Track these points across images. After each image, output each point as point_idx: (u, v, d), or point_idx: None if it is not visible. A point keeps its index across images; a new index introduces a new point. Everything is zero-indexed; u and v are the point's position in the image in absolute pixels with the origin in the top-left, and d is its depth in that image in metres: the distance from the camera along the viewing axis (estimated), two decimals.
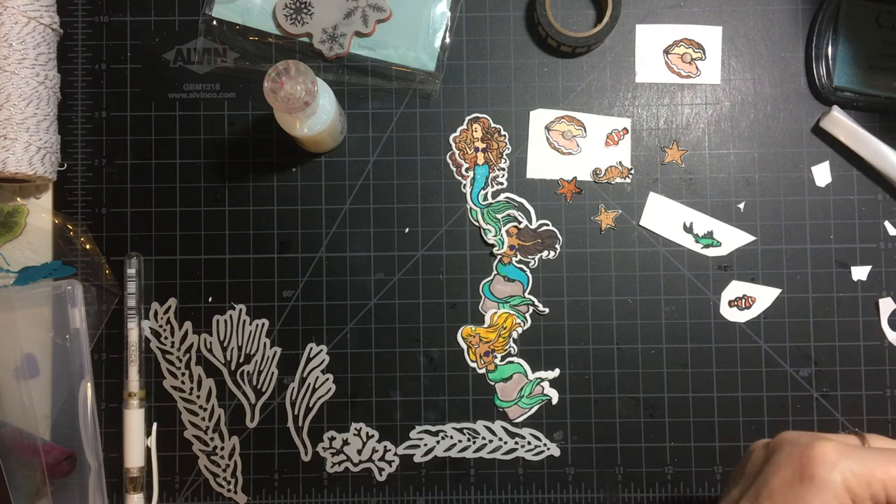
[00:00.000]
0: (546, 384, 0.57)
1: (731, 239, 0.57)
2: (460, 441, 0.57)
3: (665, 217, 0.57)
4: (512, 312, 0.57)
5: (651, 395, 0.57)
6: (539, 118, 0.58)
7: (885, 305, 0.57)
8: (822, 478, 0.34)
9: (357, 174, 0.58)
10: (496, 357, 0.57)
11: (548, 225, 0.57)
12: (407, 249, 0.57)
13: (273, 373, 0.57)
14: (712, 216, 0.57)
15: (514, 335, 0.57)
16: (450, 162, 0.58)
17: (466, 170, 0.57)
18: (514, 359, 0.57)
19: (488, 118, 0.58)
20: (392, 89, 0.58)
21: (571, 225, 0.57)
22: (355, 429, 0.57)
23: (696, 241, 0.57)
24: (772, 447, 0.39)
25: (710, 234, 0.57)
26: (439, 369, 0.57)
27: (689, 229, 0.57)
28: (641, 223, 0.57)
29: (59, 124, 0.57)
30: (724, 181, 0.58)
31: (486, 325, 0.57)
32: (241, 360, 0.57)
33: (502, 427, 0.57)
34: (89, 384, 0.55)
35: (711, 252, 0.57)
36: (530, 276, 0.57)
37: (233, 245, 0.57)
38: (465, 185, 0.57)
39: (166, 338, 0.57)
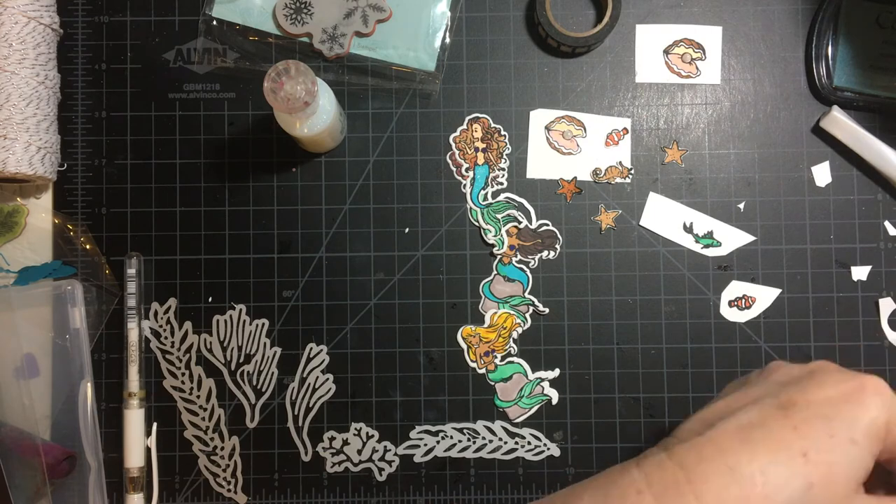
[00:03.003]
0: (546, 384, 0.57)
1: (732, 239, 0.57)
2: (460, 441, 0.57)
3: (665, 217, 0.57)
4: (512, 312, 0.57)
5: (651, 395, 0.57)
6: (539, 118, 0.58)
7: (885, 305, 0.57)
8: (869, 404, 0.34)
9: (357, 174, 0.58)
10: (496, 357, 0.57)
11: (548, 225, 0.57)
12: (407, 249, 0.57)
13: (273, 373, 0.57)
14: (712, 216, 0.57)
15: (514, 335, 0.57)
16: (450, 162, 0.58)
17: (466, 170, 0.57)
18: (514, 359, 0.57)
19: (488, 118, 0.58)
20: (392, 89, 0.58)
21: (571, 225, 0.57)
22: (355, 429, 0.57)
23: (696, 241, 0.57)
24: (811, 367, 0.37)
25: (710, 234, 0.57)
26: (439, 369, 0.57)
27: (689, 229, 0.57)
28: (641, 223, 0.57)
29: (59, 124, 0.57)
30: (724, 181, 0.58)
31: (486, 325, 0.57)
32: (241, 360, 0.57)
33: (502, 427, 0.57)
34: (89, 384, 0.55)
35: (711, 252, 0.57)
36: (530, 276, 0.57)
37: (233, 245, 0.57)
38: (465, 185, 0.57)
39: (166, 338, 0.57)
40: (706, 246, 0.57)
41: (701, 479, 0.33)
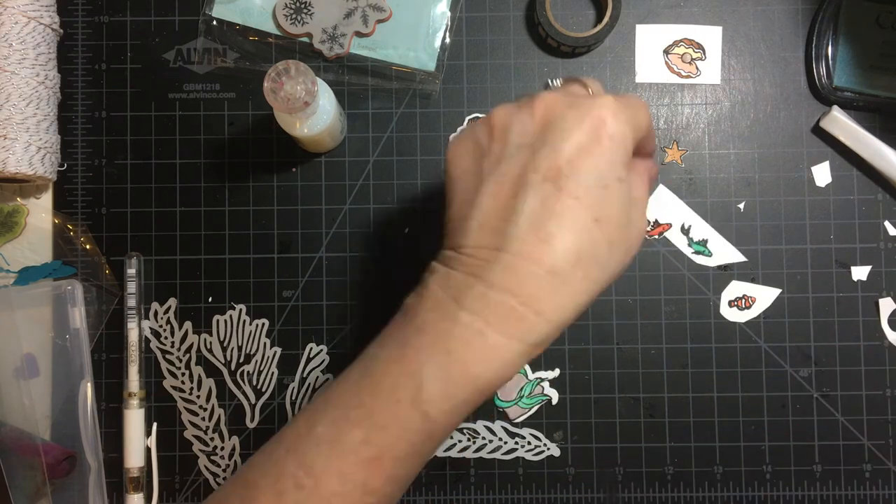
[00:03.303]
0: (546, 384, 0.57)
1: (723, 253, 0.57)
2: (460, 441, 0.57)
3: (666, 213, 0.57)
4: None
5: (651, 395, 0.57)
6: None
7: (885, 305, 0.57)
8: (616, 136, 0.34)
9: (357, 174, 0.58)
10: None
11: None
12: (407, 249, 0.57)
13: (273, 373, 0.57)
14: (712, 217, 0.57)
15: None
16: None
17: None
18: None
19: None
20: (392, 89, 0.58)
21: None
22: None
23: (689, 245, 0.57)
24: (541, 114, 0.35)
25: (703, 243, 0.57)
26: None
27: (685, 231, 0.57)
28: None
29: (59, 124, 0.57)
30: (724, 181, 0.58)
31: None
32: (241, 360, 0.57)
33: (502, 427, 0.57)
34: (89, 384, 0.55)
35: (700, 259, 0.57)
36: None
37: (233, 245, 0.57)
38: None
39: (166, 338, 0.57)
40: (697, 252, 0.57)
41: (533, 298, 0.33)
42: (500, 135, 0.36)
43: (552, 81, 0.38)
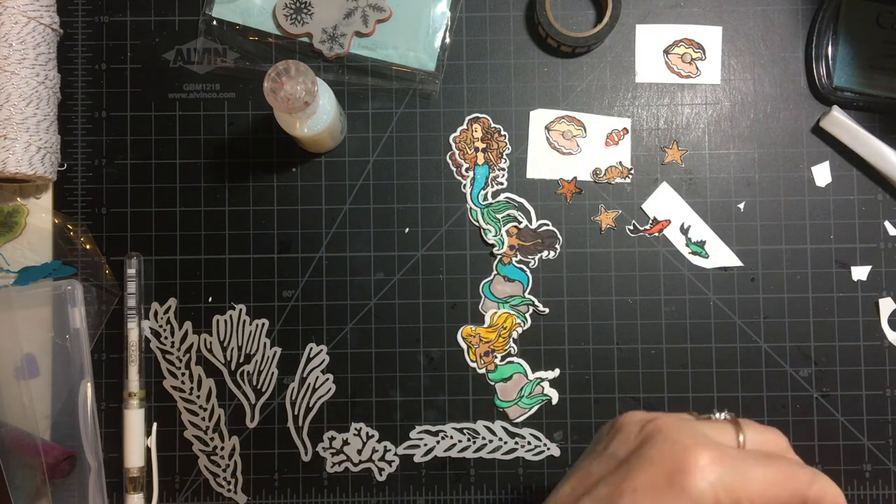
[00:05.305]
0: (546, 384, 0.57)
1: (720, 257, 0.57)
2: (460, 441, 0.57)
3: (667, 211, 0.57)
4: (512, 312, 0.57)
5: (651, 395, 0.57)
6: (539, 118, 0.58)
7: (885, 305, 0.57)
8: (692, 489, 0.32)
9: (357, 174, 0.58)
10: (496, 357, 0.57)
11: (548, 225, 0.57)
12: (407, 249, 0.57)
13: (273, 373, 0.57)
14: (712, 217, 0.57)
15: (514, 335, 0.57)
16: (450, 162, 0.58)
17: (466, 170, 0.57)
18: (514, 359, 0.57)
19: (488, 118, 0.58)
20: (392, 89, 0.58)
21: (571, 225, 0.57)
22: (355, 429, 0.57)
23: (687, 245, 0.57)
24: (647, 433, 0.35)
25: (701, 244, 0.57)
26: (439, 369, 0.57)
27: (684, 231, 0.57)
28: (643, 206, 0.57)
29: (59, 124, 0.57)
30: (724, 181, 0.58)
31: (486, 325, 0.57)
32: (241, 360, 0.57)
33: (502, 427, 0.57)
34: (89, 384, 0.55)
35: (697, 260, 0.57)
36: (530, 276, 0.57)
37: (233, 245, 0.57)
38: (465, 185, 0.57)
39: (166, 338, 0.57)
40: (694, 253, 0.57)
41: None
42: (612, 435, 0.36)
43: (718, 414, 0.38)
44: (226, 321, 0.57)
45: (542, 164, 0.58)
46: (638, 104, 0.58)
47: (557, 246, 0.57)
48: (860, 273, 0.57)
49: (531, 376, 0.57)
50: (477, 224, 0.57)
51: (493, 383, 0.57)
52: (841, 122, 0.56)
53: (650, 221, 0.57)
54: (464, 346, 0.57)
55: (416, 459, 0.57)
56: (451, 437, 0.57)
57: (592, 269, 0.57)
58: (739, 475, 0.32)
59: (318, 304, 0.57)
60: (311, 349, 0.57)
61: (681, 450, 0.33)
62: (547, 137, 0.58)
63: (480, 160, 0.57)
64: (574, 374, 0.57)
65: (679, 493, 0.32)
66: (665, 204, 0.57)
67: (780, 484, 0.33)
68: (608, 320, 0.57)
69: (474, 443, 0.57)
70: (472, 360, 0.57)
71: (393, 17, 0.56)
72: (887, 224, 0.57)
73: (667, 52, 0.58)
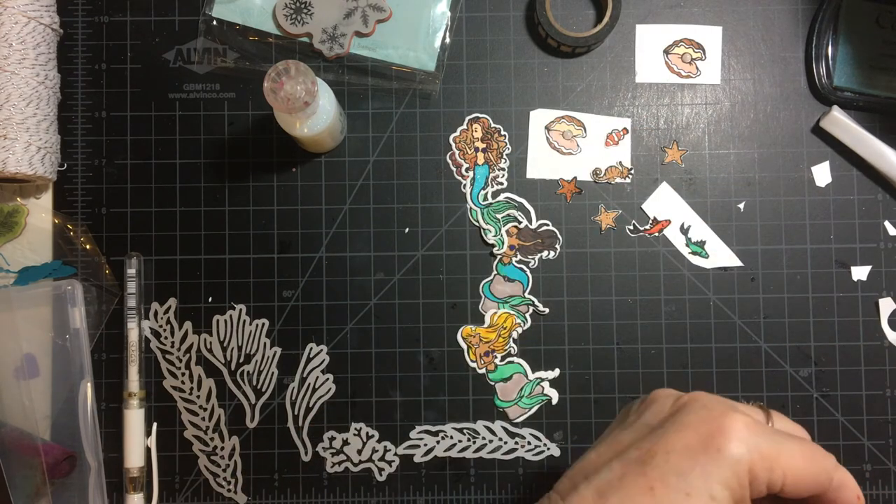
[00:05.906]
0: (546, 384, 0.57)
1: (720, 257, 0.57)
2: (460, 441, 0.57)
3: (667, 211, 0.57)
4: (512, 312, 0.57)
5: None
6: (539, 118, 0.58)
7: (885, 305, 0.57)
8: (728, 452, 0.32)
9: (357, 174, 0.58)
10: (496, 357, 0.57)
11: (548, 225, 0.57)
12: (407, 249, 0.57)
13: (273, 373, 0.57)
14: (712, 217, 0.57)
15: (514, 335, 0.57)
16: (450, 162, 0.58)
17: (466, 170, 0.57)
18: (514, 359, 0.57)
19: (488, 118, 0.58)
20: (392, 89, 0.58)
21: (571, 225, 0.57)
22: (355, 429, 0.57)
23: (687, 245, 0.57)
24: (681, 403, 0.35)
25: (701, 244, 0.57)
26: (439, 369, 0.57)
27: (684, 231, 0.57)
28: (643, 206, 0.57)
29: (59, 124, 0.57)
30: (724, 181, 0.58)
31: (486, 325, 0.57)
32: (241, 360, 0.57)
33: (502, 427, 0.57)
34: (89, 384, 0.55)
35: (697, 260, 0.57)
36: (530, 276, 0.57)
37: (233, 245, 0.57)
38: (465, 185, 0.57)
39: (166, 338, 0.57)
40: (694, 253, 0.57)
41: None
42: (643, 409, 0.37)
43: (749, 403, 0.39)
44: (226, 321, 0.57)
45: (542, 164, 0.58)
46: (638, 104, 0.58)
47: (557, 246, 0.57)
48: (860, 273, 0.57)
49: (531, 376, 0.57)
50: (477, 224, 0.57)
51: (493, 383, 0.57)
52: (841, 122, 0.56)
53: (650, 221, 0.57)
54: (464, 346, 0.57)
55: (416, 459, 0.57)
56: (451, 437, 0.57)
57: (592, 269, 0.57)
58: (776, 444, 0.33)
59: (318, 304, 0.57)
60: (311, 349, 0.57)
61: (718, 415, 0.33)
62: (547, 137, 0.58)
63: (480, 160, 0.57)
64: (574, 374, 0.57)
65: (715, 455, 0.32)
66: (665, 204, 0.57)
67: (812, 460, 0.33)
68: (608, 320, 0.57)
69: (474, 443, 0.57)
70: (472, 360, 0.57)
71: (393, 17, 0.56)
72: (887, 224, 0.57)
73: (667, 52, 0.58)
